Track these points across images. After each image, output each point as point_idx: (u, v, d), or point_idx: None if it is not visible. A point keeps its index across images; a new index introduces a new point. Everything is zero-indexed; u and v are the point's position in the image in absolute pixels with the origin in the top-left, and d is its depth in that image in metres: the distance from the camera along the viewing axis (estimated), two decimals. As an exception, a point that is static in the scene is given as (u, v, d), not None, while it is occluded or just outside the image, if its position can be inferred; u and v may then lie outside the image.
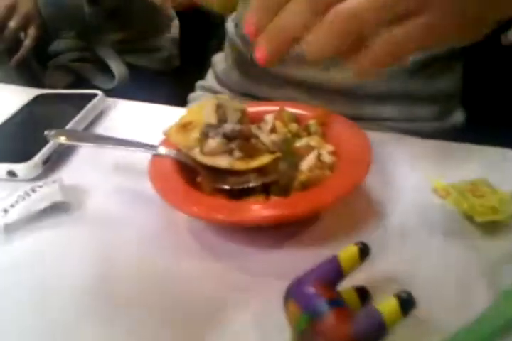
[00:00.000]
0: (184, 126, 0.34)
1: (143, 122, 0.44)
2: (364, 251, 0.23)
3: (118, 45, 0.87)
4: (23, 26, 0.76)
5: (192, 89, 0.73)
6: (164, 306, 0.26)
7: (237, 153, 0.31)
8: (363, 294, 0.24)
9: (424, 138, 0.39)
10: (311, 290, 0.22)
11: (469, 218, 0.30)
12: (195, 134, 0.33)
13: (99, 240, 0.31)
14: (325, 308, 0.21)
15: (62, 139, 0.36)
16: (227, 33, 0.66)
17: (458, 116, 0.61)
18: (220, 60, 0.68)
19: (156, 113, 0.47)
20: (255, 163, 0.31)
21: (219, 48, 0.71)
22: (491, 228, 0.29)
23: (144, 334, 0.25)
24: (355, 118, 0.36)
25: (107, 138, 0.36)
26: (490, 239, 0.29)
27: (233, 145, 0.31)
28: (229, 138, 0.31)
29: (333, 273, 0.23)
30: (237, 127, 0.32)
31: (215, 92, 0.66)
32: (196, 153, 0.32)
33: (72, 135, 0.38)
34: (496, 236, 0.29)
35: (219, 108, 0.34)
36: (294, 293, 0.23)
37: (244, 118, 0.35)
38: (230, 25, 0.67)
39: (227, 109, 0.34)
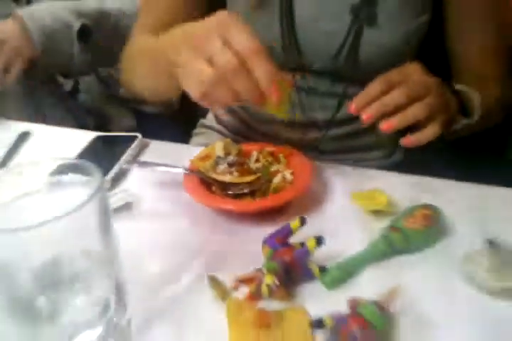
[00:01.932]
0: (204, 157, 0.57)
1: (167, 155, 0.66)
2: (302, 222, 0.46)
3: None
4: (7, 64, 0.84)
5: (191, 126, 0.95)
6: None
7: (235, 173, 0.54)
8: (319, 240, 0.45)
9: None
10: (274, 239, 0.45)
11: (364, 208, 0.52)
12: (210, 162, 0.56)
13: (150, 228, 0.53)
14: (279, 247, 0.44)
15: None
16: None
17: (397, 156, 0.84)
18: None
19: (175, 150, 0.69)
20: (247, 179, 0.53)
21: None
22: (378, 215, 0.52)
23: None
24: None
25: (154, 163, 0.59)
26: (377, 220, 0.51)
27: (233, 169, 0.54)
28: (230, 164, 0.54)
29: (286, 232, 0.45)
30: (235, 158, 0.55)
31: (213, 129, 0.89)
32: (211, 174, 0.54)
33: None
34: (379, 219, 0.51)
35: (225, 147, 0.56)
36: (266, 241, 0.45)
37: (240, 153, 0.58)
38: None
39: (230, 147, 0.57)
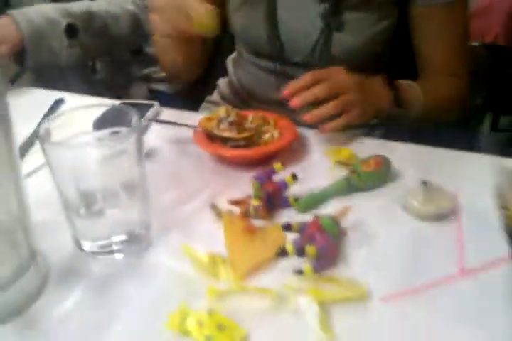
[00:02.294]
0: (209, 118, 0.71)
1: (178, 120, 0.80)
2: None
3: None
4: None
5: (199, 102, 1.10)
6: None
7: (234, 130, 0.68)
8: (294, 176, 0.59)
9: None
10: (261, 176, 0.59)
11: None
12: (214, 122, 0.70)
13: (165, 170, 0.67)
14: (265, 181, 0.58)
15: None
16: (228, 70, 1.04)
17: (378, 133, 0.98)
18: (223, 83, 1.06)
19: (184, 116, 0.83)
20: (243, 135, 0.68)
21: (221, 74, 1.08)
22: (344, 165, 0.66)
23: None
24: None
25: (169, 122, 0.73)
26: (342, 168, 0.65)
27: (232, 127, 0.68)
28: (231, 123, 0.69)
29: (271, 171, 0.60)
30: (235, 119, 0.69)
31: (218, 104, 1.03)
32: (215, 130, 0.69)
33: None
34: (344, 167, 0.65)
35: (227, 110, 0.71)
36: (255, 177, 0.59)
37: (238, 115, 0.72)
38: (229, 65, 1.05)
39: (231, 111, 0.71)
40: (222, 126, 0.69)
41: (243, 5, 0.87)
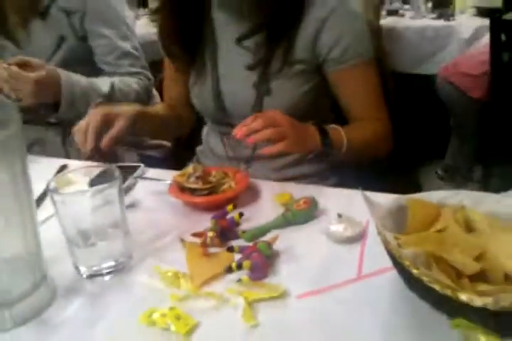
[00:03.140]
0: (181, 175, 0.91)
1: (161, 176, 1.00)
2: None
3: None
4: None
5: (181, 164, 1.31)
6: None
7: (200, 183, 0.88)
8: (241, 214, 0.79)
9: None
10: (217, 215, 0.78)
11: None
12: (184, 177, 0.90)
13: (147, 215, 0.86)
14: (219, 218, 0.77)
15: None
16: (202, 137, 1.27)
17: (333, 180, 1.17)
18: (199, 150, 1.28)
19: (163, 173, 1.04)
20: (206, 186, 0.88)
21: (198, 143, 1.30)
22: (284, 205, 0.85)
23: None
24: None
25: (151, 178, 0.93)
26: (282, 207, 0.84)
27: (199, 180, 0.88)
28: (197, 177, 0.88)
29: (224, 211, 0.79)
30: (200, 174, 0.89)
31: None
32: (185, 183, 0.88)
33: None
34: (283, 207, 0.84)
35: (194, 168, 0.91)
36: (213, 216, 0.78)
37: (204, 171, 0.91)
38: (204, 133, 1.27)
39: (198, 168, 0.91)
40: (191, 180, 0.89)
41: (195, 85, 1.12)
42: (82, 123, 0.93)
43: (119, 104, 1.26)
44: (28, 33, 1.33)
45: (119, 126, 0.93)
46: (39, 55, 1.28)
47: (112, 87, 1.32)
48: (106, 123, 0.93)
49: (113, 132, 0.93)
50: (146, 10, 3.05)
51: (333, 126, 0.97)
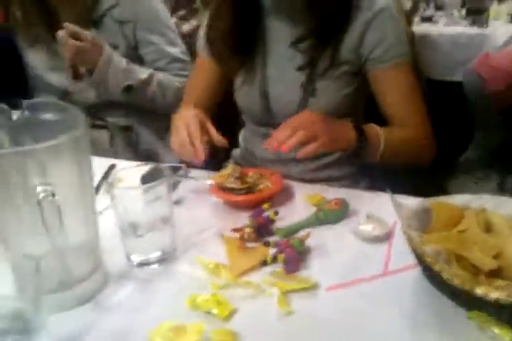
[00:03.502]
0: (221, 175, 0.98)
1: (202, 177, 1.07)
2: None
3: None
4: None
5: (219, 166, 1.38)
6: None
7: (238, 183, 0.95)
8: (276, 212, 0.85)
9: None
10: (254, 213, 0.85)
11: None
12: (224, 177, 0.97)
13: (191, 212, 0.94)
14: (256, 216, 0.84)
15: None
16: (239, 141, 1.33)
17: (363, 185, 1.22)
18: (235, 153, 1.35)
19: (205, 174, 1.11)
20: (244, 186, 0.95)
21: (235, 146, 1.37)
22: (316, 205, 0.91)
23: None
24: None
25: (195, 177, 1.01)
26: (314, 207, 0.90)
27: (237, 180, 0.95)
28: (236, 178, 0.96)
29: (261, 210, 0.86)
30: (239, 175, 0.96)
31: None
32: (225, 183, 0.96)
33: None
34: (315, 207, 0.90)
35: (233, 168, 0.98)
36: (251, 214, 0.85)
37: (241, 172, 0.98)
38: (240, 137, 1.34)
39: (236, 168, 0.98)
40: (230, 180, 0.96)
41: (242, 86, 1.16)
42: (182, 136, 0.94)
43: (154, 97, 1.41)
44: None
45: (212, 129, 0.98)
46: None
47: (151, 76, 1.39)
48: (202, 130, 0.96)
49: (217, 136, 0.97)
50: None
51: (370, 124, 1.00)
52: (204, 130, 0.96)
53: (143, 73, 1.39)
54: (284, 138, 0.86)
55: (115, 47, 1.38)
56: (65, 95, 1.46)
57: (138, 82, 1.38)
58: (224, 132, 1.18)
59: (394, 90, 1.06)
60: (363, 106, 1.19)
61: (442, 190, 1.39)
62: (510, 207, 0.73)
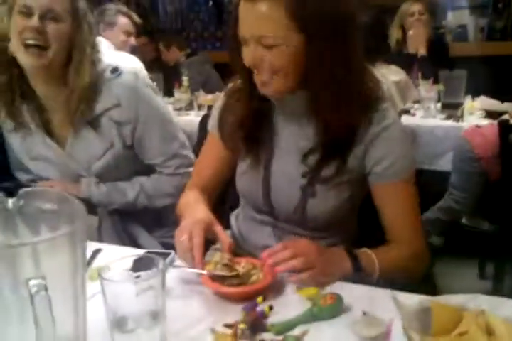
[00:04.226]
0: (209, 264, 0.97)
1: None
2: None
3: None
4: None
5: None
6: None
7: (227, 270, 0.93)
8: (270, 307, 0.83)
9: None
10: (247, 307, 0.82)
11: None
12: (212, 265, 0.95)
13: (178, 302, 0.91)
14: (249, 310, 0.81)
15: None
16: (230, 223, 1.33)
17: None
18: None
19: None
20: (232, 273, 0.93)
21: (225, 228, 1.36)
22: (310, 299, 0.89)
23: (198, 324, 0.84)
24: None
25: (182, 266, 0.98)
26: (309, 302, 0.88)
27: (225, 267, 0.94)
28: (224, 265, 0.94)
29: (255, 303, 0.83)
30: (227, 262, 0.94)
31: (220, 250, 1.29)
32: (213, 271, 0.94)
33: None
34: (310, 301, 0.88)
35: (221, 256, 0.96)
36: (243, 307, 0.83)
37: (230, 259, 0.96)
38: (232, 219, 1.34)
39: (224, 255, 0.96)
40: (218, 267, 0.94)
41: (245, 173, 1.17)
42: (184, 246, 0.96)
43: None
44: (76, 138, 1.35)
45: (220, 231, 1.01)
46: (82, 158, 1.37)
47: (138, 194, 1.42)
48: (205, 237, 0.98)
49: (225, 239, 1.00)
50: (172, 99, 3.25)
51: (364, 249, 1.01)
52: (211, 232, 0.99)
53: (129, 194, 1.42)
54: (281, 260, 0.90)
55: (110, 145, 1.35)
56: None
57: (123, 204, 1.42)
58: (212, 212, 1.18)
59: (393, 205, 1.07)
60: (359, 206, 1.20)
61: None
62: (506, 309, 0.73)
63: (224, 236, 1.00)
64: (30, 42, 1.20)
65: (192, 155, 1.49)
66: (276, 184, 1.13)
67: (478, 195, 2.39)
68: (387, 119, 1.04)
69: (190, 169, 1.44)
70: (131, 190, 1.42)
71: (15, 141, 1.43)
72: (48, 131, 1.37)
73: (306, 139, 1.08)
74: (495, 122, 2.25)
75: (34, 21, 1.19)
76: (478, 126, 2.36)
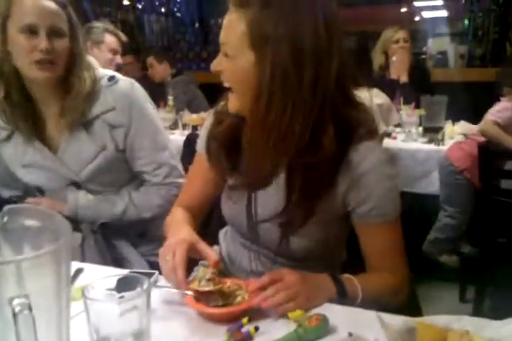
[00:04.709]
0: (193, 280, 0.95)
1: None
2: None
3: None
4: None
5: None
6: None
7: (211, 285, 0.92)
8: (256, 328, 0.82)
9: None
10: (232, 328, 0.82)
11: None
12: (196, 282, 0.94)
13: (162, 324, 0.89)
14: (235, 331, 0.81)
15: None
16: (219, 240, 1.31)
17: None
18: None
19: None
20: (218, 286, 0.92)
21: (213, 243, 1.35)
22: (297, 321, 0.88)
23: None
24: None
25: (166, 286, 0.97)
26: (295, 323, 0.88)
27: (210, 282, 0.93)
28: (208, 280, 0.93)
29: (240, 324, 0.82)
30: (211, 276, 0.93)
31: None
32: (197, 287, 0.93)
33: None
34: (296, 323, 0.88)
35: (203, 271, 0.95)
36: (228, 329, 0.82)
37: (213, 273, 0.94)
38: (220, 237, 1.33)
39: (206, 271, 0.95)
40: (202, 283, 0.93)
41: (230, 199, 1.15)
42: (167, 266, 0.95)
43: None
44: (69, 141, 1.37)
45: (205, 248, 1.00)
46: (74, 162, 1.38)
47: (126, 207, 1.43)
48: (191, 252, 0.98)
49: (211, 255, 0.99)
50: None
51: (347, 275, 1.01)
52: (194, 251, 0.98)
53: (118, 204, 1.43)
54: (267, 296, 0.91)
55: (103, 148, 1.37)
56: (37, 193, 1.44)
57: (111, 217, 1.42)
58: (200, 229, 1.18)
59: (376, 244, 1.06)
60: (347, 237, 1.18)
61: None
62: (489, 330, 0.74)
63: (209, 251, 0.99)
64: (41, 60, 1.24)
65: (180, 166, 1.50)
66: (260, 215, 1.09)
67: (470, 207, 2.50)
68: (366, 163, 0.98)
69: (179, 180, 1.47)
70: (119, 201, 1.42)
71: (6, 151, 1.44)
72: (41, 137, 1.39)
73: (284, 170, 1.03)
74: (474, 136, 2.38)
75: (43, 41, 1.23)
76: (459, 142, 2.48)
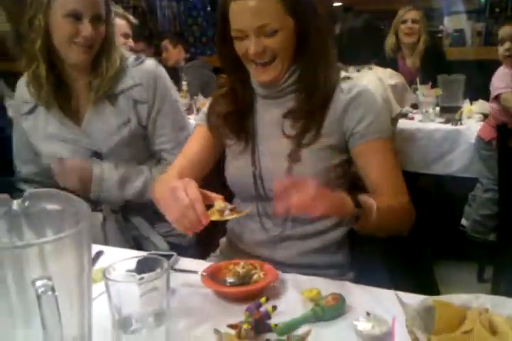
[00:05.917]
0: (213, 213, 0.96)
1: (190, 266, 1.05)
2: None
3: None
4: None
5: (206, 253, 1.37)
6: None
7: (237, 214, 0.97)
8: (274, 307, 0.83)
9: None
10: (251, 307, 0.83)
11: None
12: (217, 214, 0.95)
13: (181, 305, 0.91)
14: (253, 311, 0.82)
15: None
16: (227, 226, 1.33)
17: (350, 276, 1.22)
18: (222, 242, 1.33)
19: (194, 263, 1.09)
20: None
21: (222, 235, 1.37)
22: (312, 300, 0.89)
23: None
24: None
25: (184, 270, 0.99)
26: (311, 302, 0.89)
27: (233, 211, 0.96)
28: (231, 210, 0.96)
29: (258, 304, 0.84)
30: (232, 206, 0.97)
31: (220, 258, 1.29)
32: (222, 217, 0.95)
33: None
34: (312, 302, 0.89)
35: (220, 204, 0.97)
36: (247, 308, 0.83)
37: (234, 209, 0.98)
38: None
39: (226, 204, 0.97)
40: (226, 213, 0.95)
41: (234, 159, 1.22)
42: (183, 202, 0.93)
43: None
44: (93, 114, 1.41)
45: (215, 195, 1.01)
46: (98, 134, 1.40)
47: (145, 184, 1.43)
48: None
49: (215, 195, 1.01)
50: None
51: (363, 195, 1.02)
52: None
53: (139, 179, 1.43)
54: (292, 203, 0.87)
55: (126, 122, 1.40)
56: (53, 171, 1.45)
57: (133, 196, 1.43)
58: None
59: (376, 163, 1.13)
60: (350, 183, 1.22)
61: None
62: (509, 308, 0.73)
63: (213, 194, 1.01)
64: (83, 44, 1.31)
65: None
66: (265, 163, 1.17)
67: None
68: (355, 88, 1.13)
69: None
70: (140, 174, 1.44)
71: (28, 123, 1.47)
72: (64, 109, 1.42)
73: (285, 115, 1.16)
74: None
75: (87, 28, 1.29)
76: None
